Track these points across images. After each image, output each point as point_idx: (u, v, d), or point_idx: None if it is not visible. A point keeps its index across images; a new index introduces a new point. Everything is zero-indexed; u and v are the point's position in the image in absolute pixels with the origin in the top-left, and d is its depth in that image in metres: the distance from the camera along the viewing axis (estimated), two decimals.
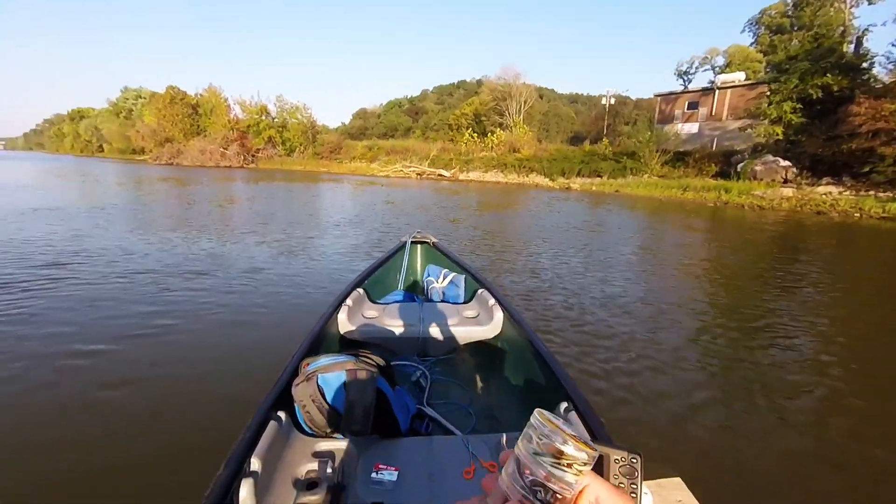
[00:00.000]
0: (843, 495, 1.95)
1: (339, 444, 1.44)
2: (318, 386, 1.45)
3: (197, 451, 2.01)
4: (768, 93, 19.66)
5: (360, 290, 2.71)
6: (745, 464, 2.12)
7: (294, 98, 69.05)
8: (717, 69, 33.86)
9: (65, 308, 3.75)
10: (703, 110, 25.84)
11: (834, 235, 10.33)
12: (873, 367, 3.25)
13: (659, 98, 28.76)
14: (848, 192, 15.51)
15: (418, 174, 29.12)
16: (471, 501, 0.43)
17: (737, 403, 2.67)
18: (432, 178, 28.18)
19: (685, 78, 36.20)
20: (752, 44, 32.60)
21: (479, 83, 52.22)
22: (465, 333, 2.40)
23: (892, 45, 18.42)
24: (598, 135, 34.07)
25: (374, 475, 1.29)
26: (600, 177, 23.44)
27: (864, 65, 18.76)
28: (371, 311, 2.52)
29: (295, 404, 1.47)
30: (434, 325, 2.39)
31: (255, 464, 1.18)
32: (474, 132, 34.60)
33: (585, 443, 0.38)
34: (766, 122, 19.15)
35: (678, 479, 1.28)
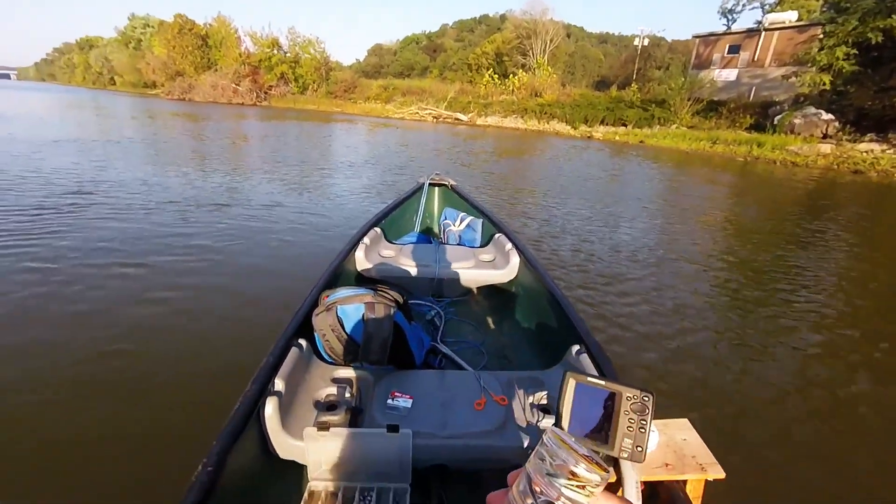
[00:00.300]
0: (851, 440, 2.00)
1: (356, 373, 1.50)
2: (338, 317, 1.49)
3: (222, 371, 2.17)
4: (821, 35, 17.85)
5: (377, 230, 2.72)
6: (750, 409, 2.19)
7: (307, 32, 65.56)
8: (766, 7, 30.57)
9: (95, 238, 3.91)
10: (744, 55, 23.75)
11: (871, 195, 9.82)
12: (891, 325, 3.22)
13: (697, 40, 26.40)
14: (892, 151, 14.53)
15: (434, 117, 28.04)
16: None
17: (746, 351, 2.72)
18: (449, 121, 27.13)
19: (730, 17, 32.71)
20: None
21: (503, 18, 48.63)
22: (481, 276, 2.41)
23: None
24: (627, 80, 31.89)
25: (389, 401, 1.35)
26: (625, 125, 22.26)
27: None
28: (387, 251, 2.54)
29: (315, 333, 1.52)
30: (449, 267, 2.40)
31: (278, 384, 1.24)
32: (495, 73, 32.72)
33: (598, 464, 0.39)
34: (814, 69, 17.55)
35: (685, 420, 1.32)
